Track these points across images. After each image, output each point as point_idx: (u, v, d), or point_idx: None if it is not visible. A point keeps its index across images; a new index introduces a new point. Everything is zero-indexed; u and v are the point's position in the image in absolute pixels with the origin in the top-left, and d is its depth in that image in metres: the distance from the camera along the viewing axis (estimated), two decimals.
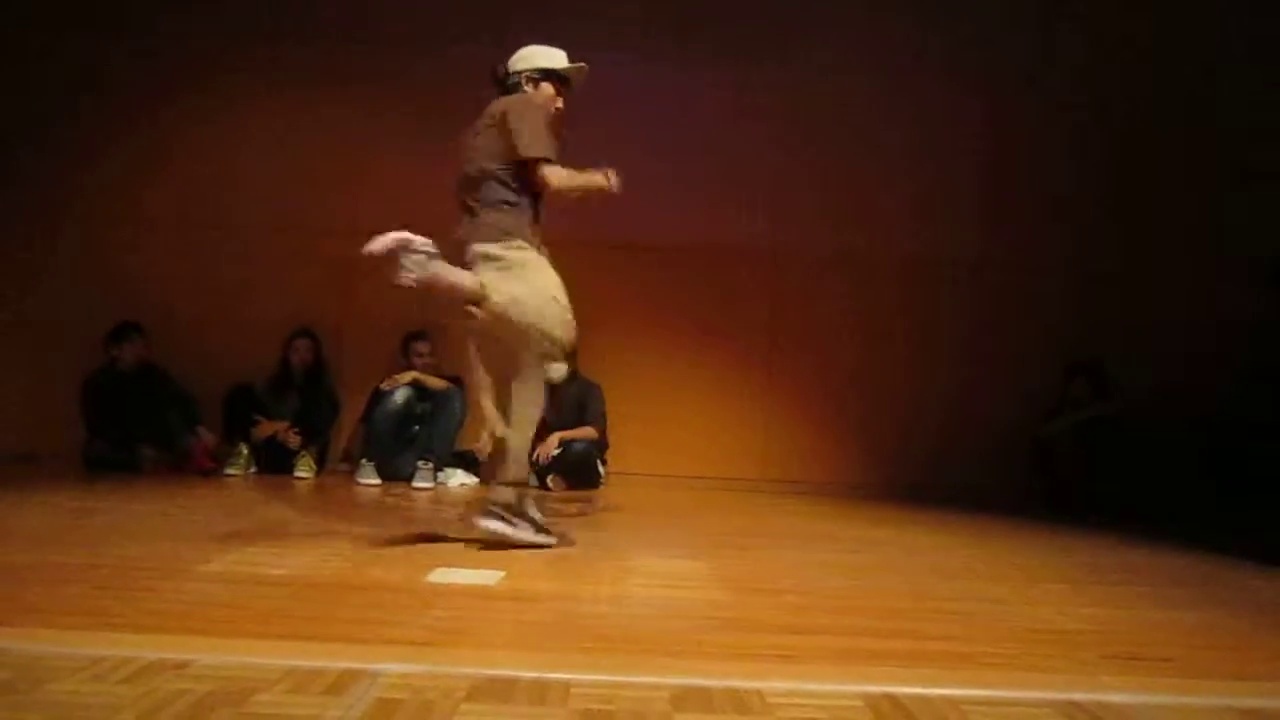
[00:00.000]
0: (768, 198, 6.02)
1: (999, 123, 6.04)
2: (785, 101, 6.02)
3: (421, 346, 5.32)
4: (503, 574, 2.56)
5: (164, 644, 1.73)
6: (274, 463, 5.15)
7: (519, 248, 3.06)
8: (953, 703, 1.61)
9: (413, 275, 2.81)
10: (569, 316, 3.07)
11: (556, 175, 3.09)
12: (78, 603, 2.08)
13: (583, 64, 3.33)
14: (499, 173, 3.11)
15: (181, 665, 1.61)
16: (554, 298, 3.05)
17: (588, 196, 3.17)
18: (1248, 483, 5.23)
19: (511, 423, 3.03)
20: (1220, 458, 5.47)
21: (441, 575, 2.52)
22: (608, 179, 3.15)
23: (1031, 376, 5.72)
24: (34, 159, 5.87)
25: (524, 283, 3.01)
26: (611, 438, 5.43)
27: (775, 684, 1.66)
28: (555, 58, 3.32)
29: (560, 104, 3.32)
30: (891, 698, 1.62)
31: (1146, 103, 5.98)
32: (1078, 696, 1.66)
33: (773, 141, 6.02)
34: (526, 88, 3.25)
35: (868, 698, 1.61)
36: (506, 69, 3.31)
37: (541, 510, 3.22)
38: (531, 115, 3.12)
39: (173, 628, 1.88)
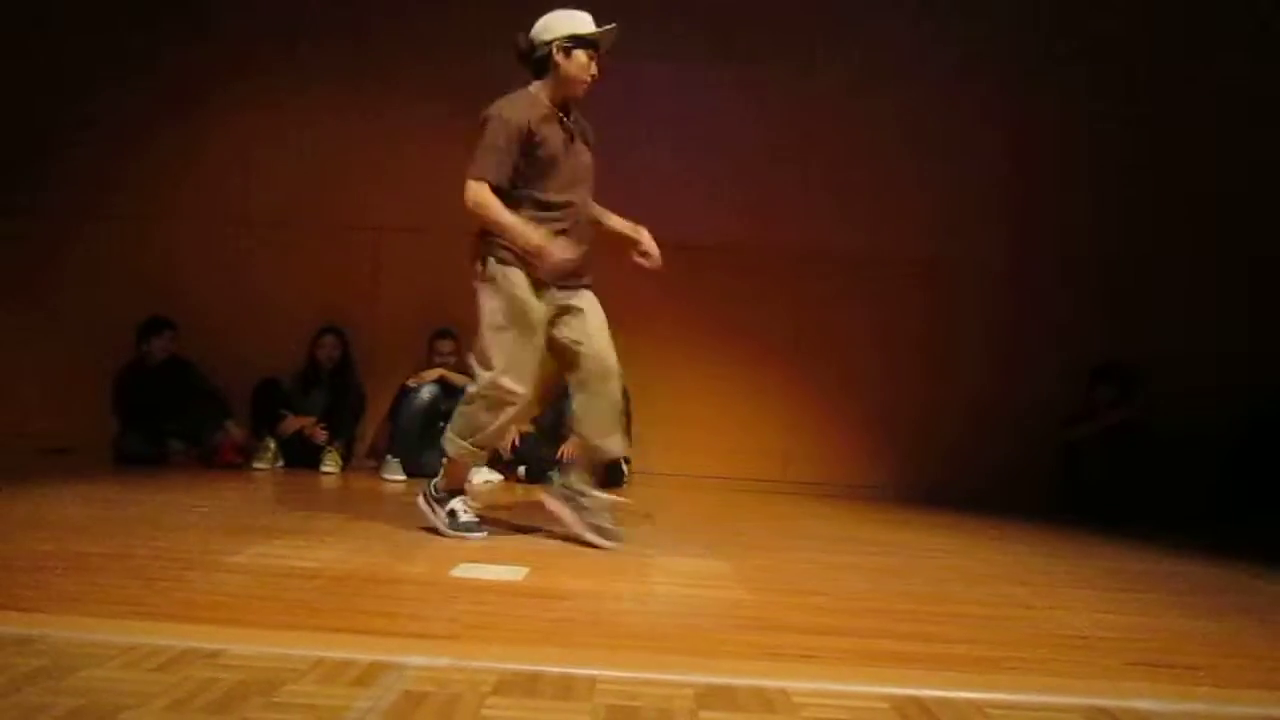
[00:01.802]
0: (792, 199, 6.01)
1: (1020, 128, 6.00)
2: (810, 105, 6.02)
3: (444, 345, 5.35)
4: (527, 570, 2.57)
5: (195, 633, 1.76)
6: (300, 458, 5.20)
7: None
8: (978, 706, 1.60)
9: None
10: None
11: (482, 195, 2.97)
12: (110, 592, 2.11)
13: (613, 25, 3.09)
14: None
15: (213, 654, 1.63)
16: None
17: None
18: (1274, 490, 5.16)
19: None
20: (1247, 464, 5.41)
21: (466, 570, 2.54)
22: (542, 249, 2.93)
23: (1052, 380, 5.69)
24: (67, 158, 5.96)
25: None
26: (635, 437, 5.44)
27: (800, 684, 1.66)
28: (583, 21, 3.10)
29: (594, 70, 3.13)
30: (916, 700, 1.61)
31: (1171, 106, 5.92)
32: (1104, 703, 1.65)
33: (797, 145, 6.01)
34: (558, 58, 3.06)
35: (893, 700, 1.61)
36: (531, 40, 3.11)
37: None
38: (489, 131, 3.00)
39: (204, 617, 1.90)
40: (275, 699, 1.44)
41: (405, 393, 5.25)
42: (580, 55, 3.07)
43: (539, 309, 3.06)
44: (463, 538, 3.09)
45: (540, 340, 3.09)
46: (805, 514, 4.64)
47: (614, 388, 3.19)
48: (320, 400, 5.33)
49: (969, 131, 6.00)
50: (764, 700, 1.57)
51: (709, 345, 5.98)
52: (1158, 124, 5.93)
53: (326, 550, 2.73)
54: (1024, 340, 5.90)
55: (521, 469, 5.24)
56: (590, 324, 3.14)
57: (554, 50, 3.06)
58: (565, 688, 1.57)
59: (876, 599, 2.54)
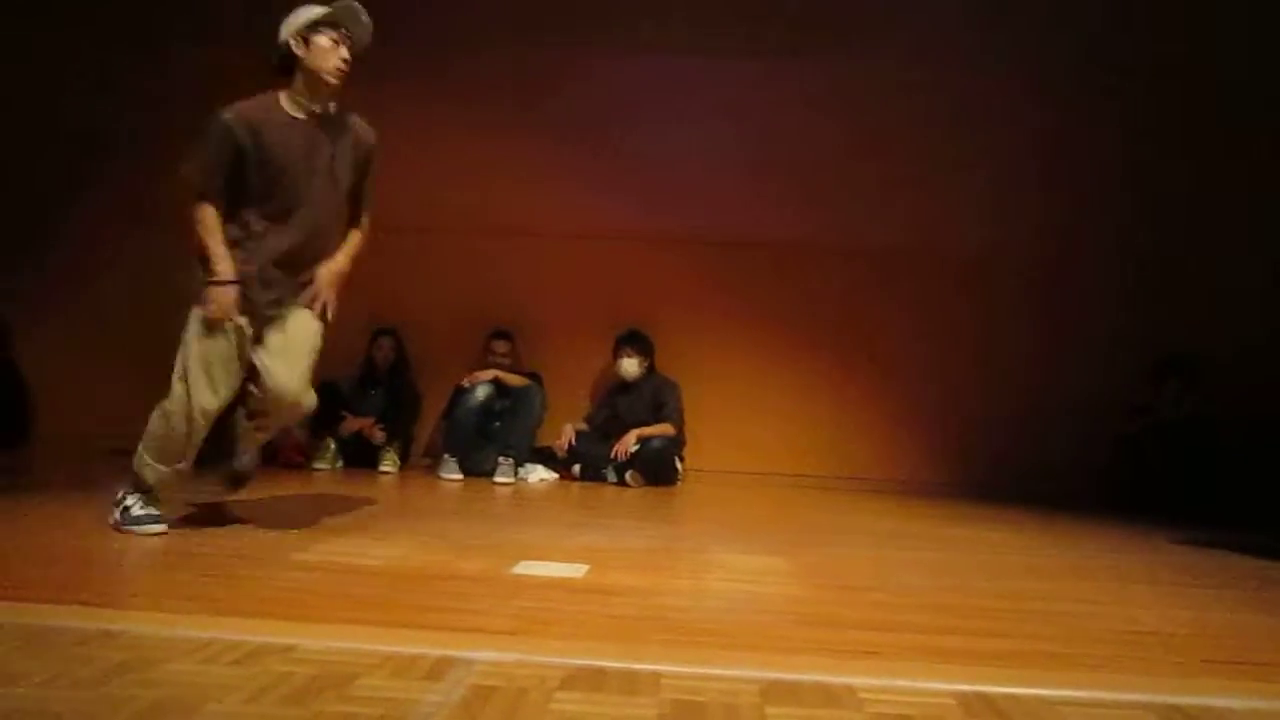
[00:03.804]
0: (838, 194, 5.99)
1: (1066, 119, 5.91)
2: (855, 99, 6.00)
3: (499, 345, 5.42)
4: (587, 567, 2.59)
5: (269, 628, 1.80)
6: (359, 458, 5.28)
7: None
8: (1047, 703, 1.58)
9: None
10: None
11: (205, 216, 2.82)
12: (185, 588, 2.17)
13: (349, 2, 2.83)
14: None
15: (287, 649, 1.67)
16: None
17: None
18: None
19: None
20: None
21: (526, 567, 2.57)
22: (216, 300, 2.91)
23: (1104, 373, 5.62)
24: (112, 166, 6.10)
25: None
26: (688, 434, 5.44)
27: (865, 680, 1.65)
28: (317, 9, 2.82)
29: (344, 54, 2.85)
30: (984, 696, 1.60)
31: (1215, 97, 5.80)
32: (1179, 700, 1.62)
33: (843, 139, 5.99)
34: (298, 51, 2.79)
35: (959, 696, 1.59)
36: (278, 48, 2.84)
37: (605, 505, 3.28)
38: (205, 136, 2.79)
39: (276, 613, 1.95)
40: (349, 692, 1.47)
41: (460, 393, 5.31)
42: (320, 39, 2.80)
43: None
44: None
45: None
46: (858, 510, 4.60)
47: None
48: (378, 401, 5.42)
49: (1015, 126, 5.92)
50: (829, 696, 1.57)
51: (759, 342, 5.97)
52: (1213, 116, 5.80)
53: (390, 548, 2.78)
54: (1074, 334, 5.83)
55: (576, 467, 5.28)
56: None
57: (293, 45, 2.81)
58: (630, 683, 1.58)
59: (938, 595, 2.51)
